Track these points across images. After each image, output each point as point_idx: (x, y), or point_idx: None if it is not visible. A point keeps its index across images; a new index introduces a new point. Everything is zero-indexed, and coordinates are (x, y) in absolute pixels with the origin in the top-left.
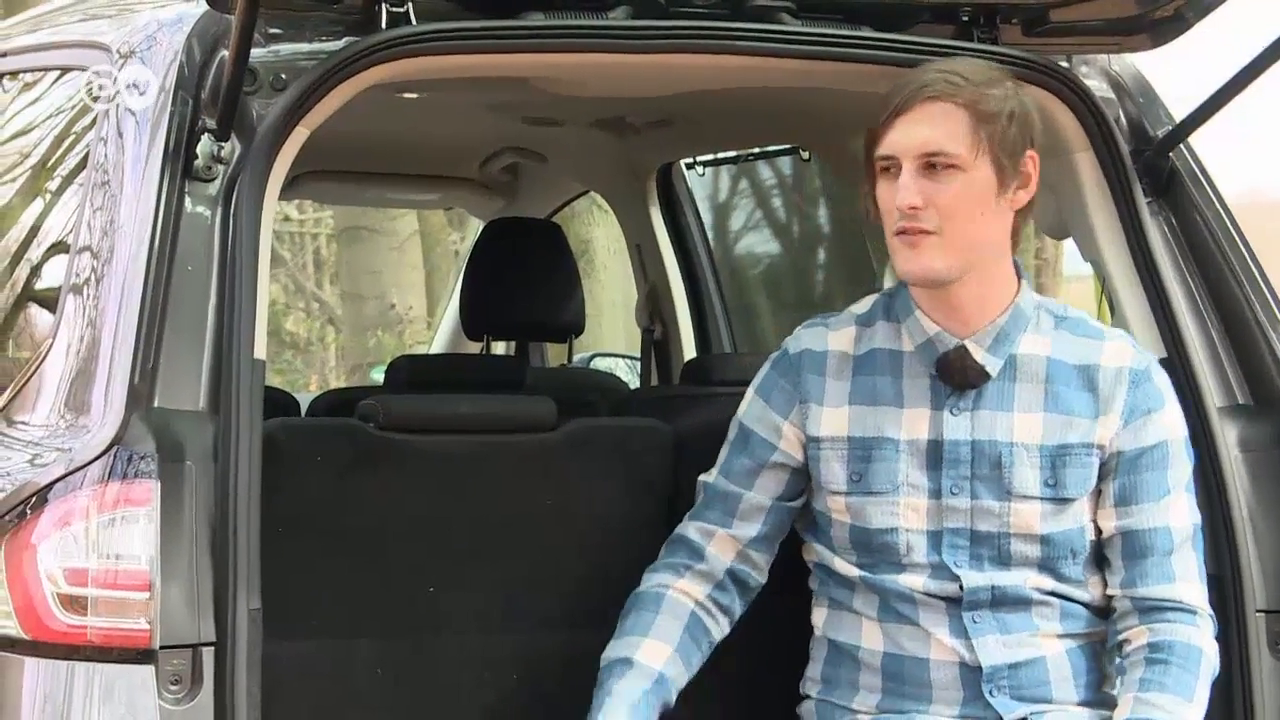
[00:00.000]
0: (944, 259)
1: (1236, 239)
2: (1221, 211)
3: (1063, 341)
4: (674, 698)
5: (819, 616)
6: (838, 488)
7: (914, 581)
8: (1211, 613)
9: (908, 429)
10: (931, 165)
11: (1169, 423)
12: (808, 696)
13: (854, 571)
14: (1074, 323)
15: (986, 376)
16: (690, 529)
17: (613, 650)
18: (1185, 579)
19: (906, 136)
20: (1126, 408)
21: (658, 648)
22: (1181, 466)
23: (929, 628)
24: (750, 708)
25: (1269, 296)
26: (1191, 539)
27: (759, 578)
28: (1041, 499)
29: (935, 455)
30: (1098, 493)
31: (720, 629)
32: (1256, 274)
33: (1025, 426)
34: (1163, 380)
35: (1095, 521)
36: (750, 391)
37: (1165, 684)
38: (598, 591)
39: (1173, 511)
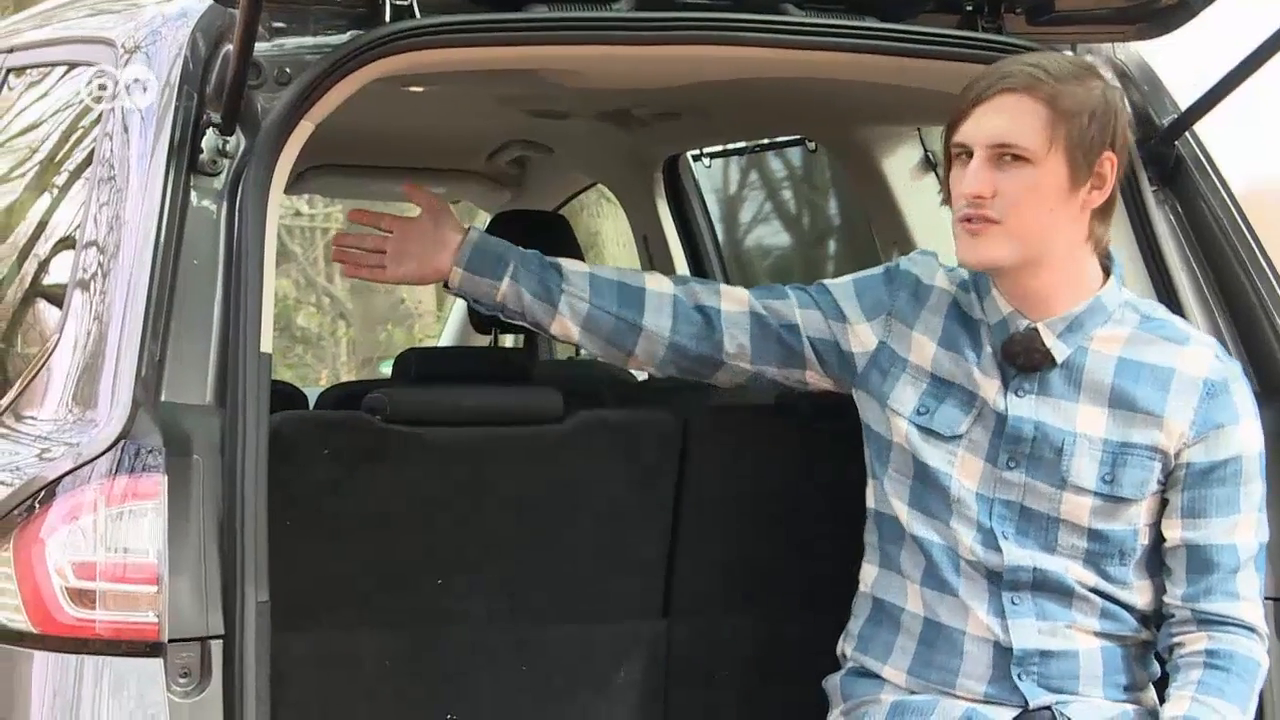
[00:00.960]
0: (1004, 248)
1: (1243, 227)
2: (1227, 199)
3: (1141, 341)
4: (557, 285)
5: (868, 574)
6: (902, 411)
7: (961, 536)
8: (1268, 631)
9: (982, 390)
10: (1002, 156)
11: (1244, 438)
12: (840, 660)
13: (903, 510)
14: (1159, 324)
15: (1051, 361)
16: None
17: None
18: (1249, 598)
19: (980, 126)
20: (1198, 418)
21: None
22: (1255, 484)
23: (968, 601)
24: (778, 671)
25: (1275, 284)
26: (1256, 557)
27: (729, 348)
28: (1095, 493)
29: (999, 425)
30: (1164, 501)
31: (658, 308)
32: (1263, 262)
33: (1089, 418)
34: (1242, 395)
35: (1156, 528)
36: (848, 276)
37: (1225, 691)
38: (605, 581)
39: (1241, 530)
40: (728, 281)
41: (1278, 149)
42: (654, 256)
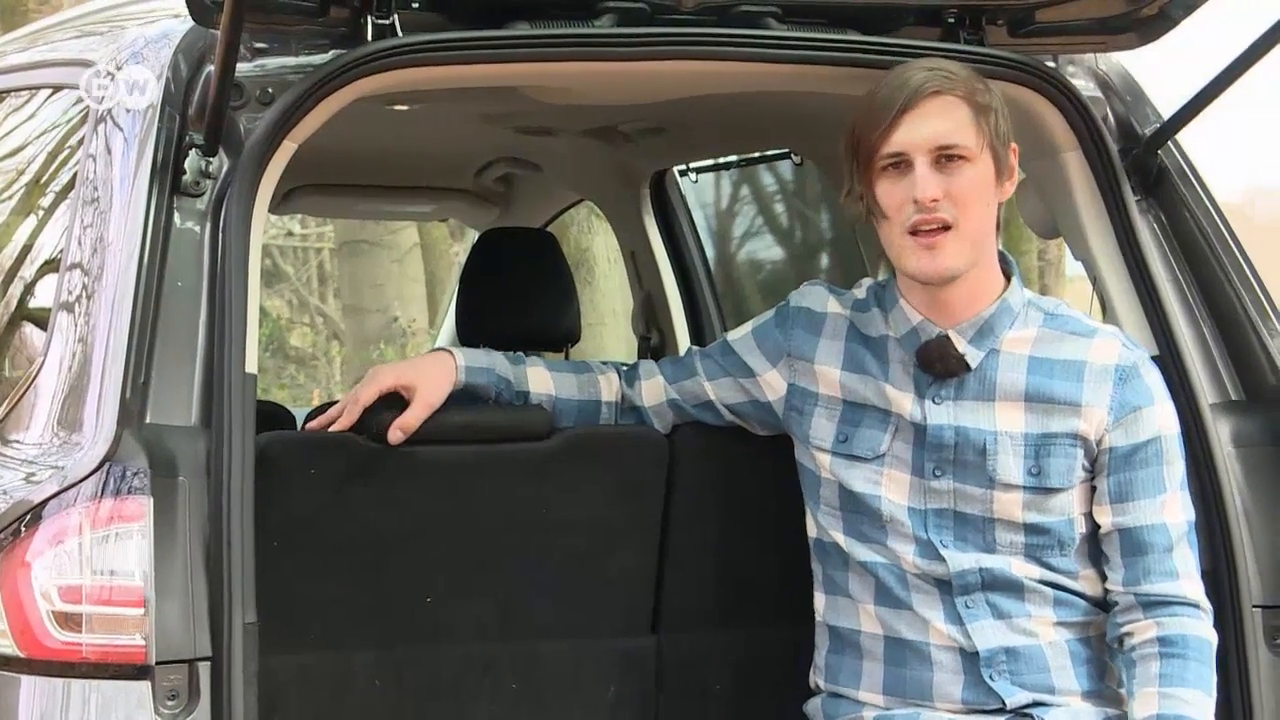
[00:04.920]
0: (961, 255)
1: (1226, 235)
2: (1211, 208)
3: (1049, 339)
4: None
5: (819, 602)
6: (823, 445)
7: (902, 552)
8: (1210, 606)
9: (895, 405)
10: (942, 158)
11: (1160, 419)
12: (816, 690)
13: (842, 539)
14: (1064, 319)
15: (966, 367)
16: (648, 362)
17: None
18: (1186, 575)
19: (917, 131)
20: (1115, 404)
21: (542, 374)
22: (1177, 463)
23: (924, 613)
24: (769, 685)
25: (1259, 291)
26: (1187, 534)
27: (662, 429)
28: (1024, 488)
29: (920, 436)
30: (1092, 489)
31: (608, 420)
32: (1246, 269)
33: (1007, 417)
34: (1153, 377)
35: (1089, 517)
36: (748, 325)
37: (1186, 678)
38: (594, 598)
39: (1169, 509)
40: (715, 296)
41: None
42: (641, 273)
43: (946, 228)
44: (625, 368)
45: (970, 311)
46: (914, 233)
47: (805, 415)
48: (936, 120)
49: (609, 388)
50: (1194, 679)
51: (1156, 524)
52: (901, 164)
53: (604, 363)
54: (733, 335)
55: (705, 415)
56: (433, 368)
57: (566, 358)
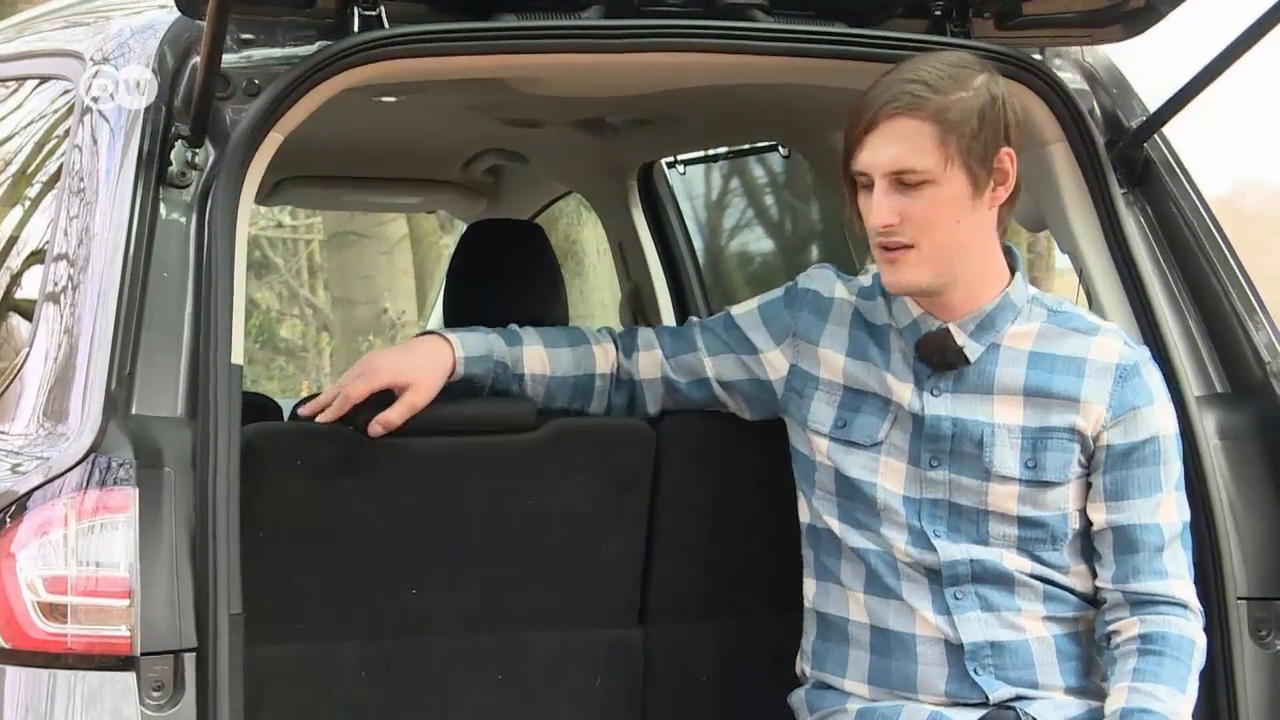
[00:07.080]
0: (923, 272)
1: (1212, 227)
2: (1197, 201)
3: (1051, 335)
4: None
5: (809, 588)
6: (821, 429)
7: (895, 540)
8: (1200, 607)
9: (895, 394)
10: (903, 181)
11: (1159, 419)
12: (802, 678)
13: (836, 525)
14: (1066, 316)
15: (965, 360)
16: (647, 329)
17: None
18: (1177, 575)
19: (876, 154)
20: (1114, 401)
21: (538, 354)
22: (1174, 463)
23: (913, 603)
24: (756, 675)
25: (1245, 284)
26: (1181, 535)
27: (651, 411)
28: (1020, 480)
29: (917, 426)
30: (1087, 485)
31: (601, 392)
32: (1232, 261)
33: (1005, 410)
34: (1154, 377)
35: (1084, 513)
36: (754, 301)
37: (1160, 674)
38: (581, 589)
39: (1164, 509)
40: (703, 288)
41: (1261, 151)
42: (629, 264)
43: (908, 247)
44: (624, 336)
45: (971, 307)
46: (880, 247)
47: (805, 398)
48: (894, 144)
49: (605, 359)
50: (1168, 676)
51: (1150, 523)
52: (868, 182)
53: (601, 330)
54: (737, 310)
55: (698, 393)
56: (430, 363)
57: None
